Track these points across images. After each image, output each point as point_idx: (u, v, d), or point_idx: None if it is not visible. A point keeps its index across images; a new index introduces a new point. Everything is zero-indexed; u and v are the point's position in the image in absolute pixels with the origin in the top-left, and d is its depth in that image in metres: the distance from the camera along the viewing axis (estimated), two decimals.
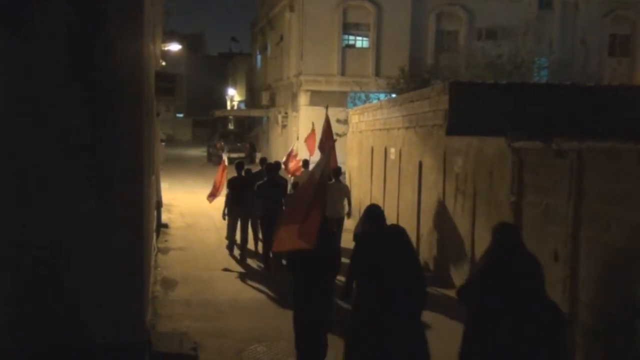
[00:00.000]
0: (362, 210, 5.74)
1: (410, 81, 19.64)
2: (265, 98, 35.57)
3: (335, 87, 27.17)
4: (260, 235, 11.18)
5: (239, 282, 9.61)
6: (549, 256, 6.16)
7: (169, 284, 9.23)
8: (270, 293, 8.88)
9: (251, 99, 44.82)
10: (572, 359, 4.58)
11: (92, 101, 4.64)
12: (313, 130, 16.05)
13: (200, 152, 38.28)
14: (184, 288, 9.06)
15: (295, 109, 28.23)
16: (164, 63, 15.84)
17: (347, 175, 16.94)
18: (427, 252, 10.35)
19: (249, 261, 10.96)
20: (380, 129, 13.67)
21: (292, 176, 13.86)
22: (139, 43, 4.92)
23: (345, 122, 18.33)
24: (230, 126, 46.77)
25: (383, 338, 4.70)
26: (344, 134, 18.51)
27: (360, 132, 15.75)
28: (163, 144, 23.66)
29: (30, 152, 4.52)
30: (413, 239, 10.97)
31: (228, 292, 9.00)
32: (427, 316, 5.36)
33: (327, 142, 12.69)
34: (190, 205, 16.98)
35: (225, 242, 11.70)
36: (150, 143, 7.06)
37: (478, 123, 8.83)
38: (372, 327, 4.75)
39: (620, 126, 7.76)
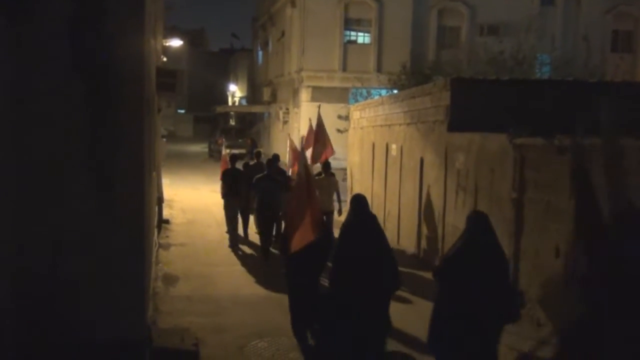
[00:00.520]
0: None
1: (412, 77, 19.57)
2: (266, 94, 35.55)
3: (336, 83, 27.14)
4: (254, 226, 11.79)
5: (240, 278, 9.62)
6: (550, 252, 6.16)
7: (170, 279, 9.24)
8: (271, 289, 8.88)
9: (252, 94, 44.81)
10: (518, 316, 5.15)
11: (93, 97, 4.63)
12: (310, 128, 16.01)
13: (201, 148, 38.26)
14: (185, 284, 9.07)
15: (297, 104, 28.20)
16: (165, 59, 15.84)
17: (348, 172, 16.92)
18: (428, 247, 10.34)
19: (246, 250, 10.98)
20: (381, 125, 13.65)
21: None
22: (140, 39, 4.91)
23: (347, 118, 18.29)
24: (232, 122, 46.74)
25: (354, 311, 5.38)
26: (345, 130, 18.48)
27: (362, 128, 15.72)
28: (164, 140, 23.69)
29: (30, 149, 4.52)
30: (414, 235, 11.04)
31: (229, 287, 9.00)
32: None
33: (318, 141, 12.77)
34: (192, 201, 16.99)
35: (227, 236, 11.84)
36: (151, 139, 7.05)
37: (480, 119, 8.81)
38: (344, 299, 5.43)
39: (622, 123, 7.73)
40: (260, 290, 8.95)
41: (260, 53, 41.18)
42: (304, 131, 20.68)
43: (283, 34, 31.86)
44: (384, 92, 19.94)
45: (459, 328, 4.75)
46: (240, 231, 12.16)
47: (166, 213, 14.14)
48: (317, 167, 11.87)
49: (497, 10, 27.12)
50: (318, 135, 12.83)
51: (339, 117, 20.46)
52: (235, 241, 11.60)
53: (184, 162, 28.57)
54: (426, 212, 10.52)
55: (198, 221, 14.21)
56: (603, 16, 28.51)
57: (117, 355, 4.77)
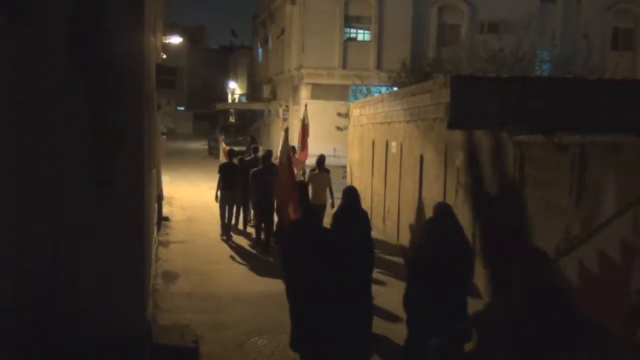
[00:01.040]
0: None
1: (412, 75, 19.56)
2: (266, 91, 35.51)
3: (336, 81, 27.12)
4: (251, 219, 12.39)
5: (240, 275, 9.63)
6: (550, 249, 6.15)
7: (170, 277, 9.25)
8: (271, 286, 8.88)
9: (252, 92, 44.76)
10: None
11: (93, 95, 4.62)
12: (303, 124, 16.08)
13: (201, 145, 38.24)
14: (184, 281, 9.08)
15: (297, 102, 28.18)
16: (164, 56, 15.83)
17: (348, 169, 16.92)
18: None
19: (245, 246, 11.06)
20: (381, 123, 13.65)
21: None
22: (139, 36, 4.90)
23: (347, 115, 18.28)
24: (232, 119, 46.67)
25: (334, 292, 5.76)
26: (345, 128, 18.47)
27: (362, 125, 15.72)
28: (164, 137, 23.66)
29: (30, 147, 4.51)
30: (414, 232, 11.04)
31: (229, 285, 9.01)
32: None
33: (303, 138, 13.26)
34: (192, 198, 16.99)
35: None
36: (151, 136, 7.05)
37: (480, 117, 8.81)
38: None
39: (623, 120, 7.73)
40: (260, 288, 8.96)
41: (260, 50, 41.12)
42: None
43: (283, 31, 31.82)
44: (383, 89, 19.93)
45: (428, 300, 5.31)
46: (240, 225, 12.62)
47: (166, 210, 14.14)
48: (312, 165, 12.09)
49: (497, 7, 27.09)
50: (304, 134, 13.25)
51: (339, 114, 20.46)
52: (227, 232, 11.99)
53: (183, 160, 28.56)
54: (426, 210, 10.52)
55: (198, 218, 14.22)
56: (603, 13, 28.46)
57: (118, 352, 4.77)
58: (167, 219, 13.60)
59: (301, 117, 13.75)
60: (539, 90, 9.58)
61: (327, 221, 9.56)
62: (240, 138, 31.19)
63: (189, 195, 17.56)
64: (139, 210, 4.91)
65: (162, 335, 6.17)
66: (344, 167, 17.58)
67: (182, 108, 56.94)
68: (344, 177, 17.02)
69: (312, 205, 8.22)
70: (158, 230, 11.77)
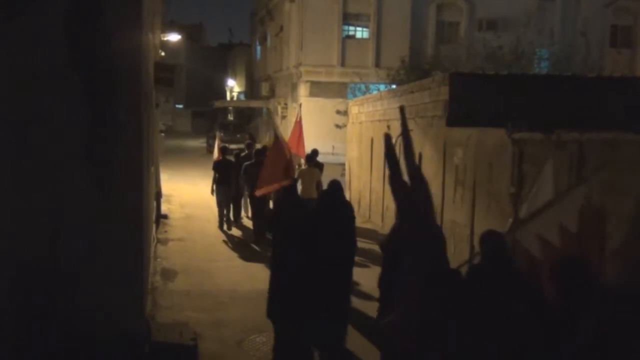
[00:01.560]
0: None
1: (411, 72, 19.57)
2: (265, 89, 35.52)
3: (335, 78, 27.12)
4: (248, 212, 12.92)
5: (238, 273, 9.63)
6: None
7: (168, 274, 9.25)
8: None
9: (251, 89, 44.78)
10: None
11: (91, 92, 4.62)
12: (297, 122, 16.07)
13: (199, 143, 38.19)
14: (183, 279, 9.07)
15: (295, 99, 28.18)
16: (163, 53, 15.77)
17: (346, 166, 16.91)
18: None
19: (240, 240, 11.15)
20: (380, 120, 13.64)
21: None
22: (138, 33, 4.90)
23: (345, 113, 18.28)
24: (230, 117, 46.63)
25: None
26: (344, 125, 18.47)
27: (360, 123, 15.71)
28: (162, 134, 23.61)
29: (28, 144, 4.50)
30: None
31: (228, 282, 9.01)
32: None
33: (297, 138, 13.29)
34: (190, 196, 16.98)
35: (225, 231, 12.00)
36: (149, 134, 7.04)
37: (478, 114, 8.81)
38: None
39: (621, 117, 7.74)
40: (258, 285, 8.90)
41: (258, 48, 41.12)
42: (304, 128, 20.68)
43: (281, 28, 31.80)
44: (382, 87, 19.92)
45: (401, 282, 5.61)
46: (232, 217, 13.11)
47: (164, 208, 14.14)
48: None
49: (496, 5, 27.09)
50: (298, 132, 13.26)
51: (338, 112, 20.45)
52: (222, 223, 12.66)
53: (182, 157, 28.53)
54: None
55: (196, 216, 14.21)
56: (602, 11, 28.47)
57: (116, 350, 4.77)
58: (165, 216, 13.59)
59: (296, 116, 13.79)
60: (537, 88, 9.58)
61: None
62: (238, 136, 31.16)
63: (188, 193, 17.55)
64: (137, 207, 4.90)
65: (161, 333, 6.16)
66: (343, 164, 17.58)
67: (180, 106, 56.90)
68: (343, 174, 17.02)
69: (301, 199, 8.28)
70: (157, 227, 11.76)
